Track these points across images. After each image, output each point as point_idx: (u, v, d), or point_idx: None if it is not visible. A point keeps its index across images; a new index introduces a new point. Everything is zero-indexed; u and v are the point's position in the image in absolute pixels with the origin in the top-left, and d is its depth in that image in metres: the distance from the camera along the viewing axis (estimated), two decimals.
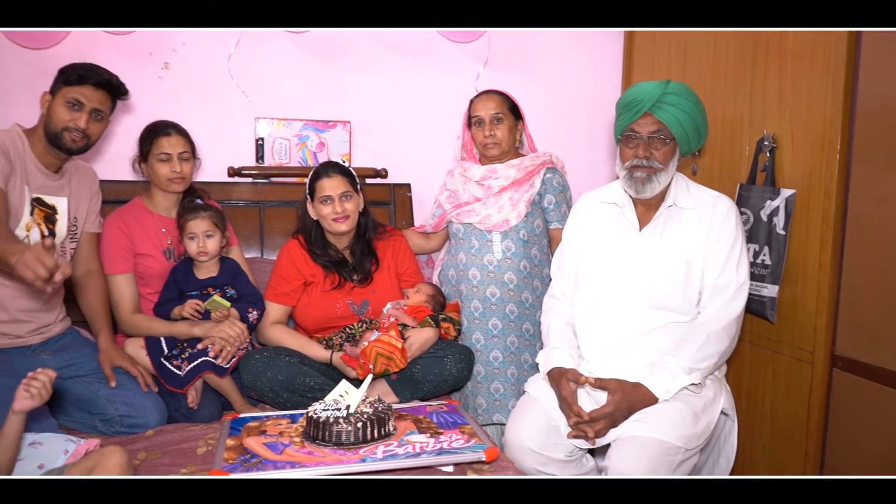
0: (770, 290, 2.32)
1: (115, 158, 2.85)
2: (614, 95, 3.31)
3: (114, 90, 2.22)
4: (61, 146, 2.16)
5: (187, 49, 2.98)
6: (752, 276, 2.27)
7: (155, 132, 2.39)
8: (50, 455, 1.74)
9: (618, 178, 2.13)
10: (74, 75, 2.14)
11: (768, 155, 2.36)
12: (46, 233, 2.19)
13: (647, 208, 2.12)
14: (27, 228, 2.13)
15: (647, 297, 2.05)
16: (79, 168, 2.35)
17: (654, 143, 2.03)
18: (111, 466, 1.51)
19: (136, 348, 2.29)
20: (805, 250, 2.26)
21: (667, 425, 1.86)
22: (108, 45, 2.88)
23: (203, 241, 2.34)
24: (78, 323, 2.42)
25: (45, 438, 1.79)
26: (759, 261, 2.34)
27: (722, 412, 2.04)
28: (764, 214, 2.34)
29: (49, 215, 2.20)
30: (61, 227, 2.24)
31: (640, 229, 2.11)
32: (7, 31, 2.72)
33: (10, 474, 1.59)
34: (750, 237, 2.36)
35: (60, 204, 2.24)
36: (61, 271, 1.59)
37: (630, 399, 1.92)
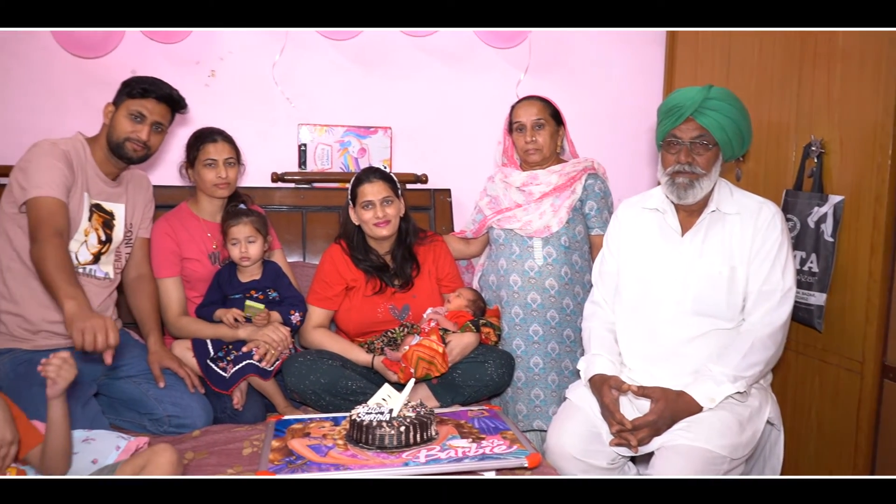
0: (817, 298, 2.27)
1: (163, 164, 2.93)
2: (656, 101, 3.28)
3: (174, 104, 2.29)
4: (122, 155, 2.23)
5: (233, 57, 3.05)
6: (799, 284, 2.23)
7: (201, 139, 2.45)
8: (102, 451, 1.80)
9: (659, 184, 2.11)
10: (138, 88, 2.20)
11: (816, 160, 2.31)
12: (104, 238, 2.27)
13: (689, 214, 2.10)
14: (85, 234, 2.20)
15: (690, 304, 2.03)
16: (135, 175, 2.43)
17: (696, 148, 2.01)
18: (162, 464, 1.55)
19: (184, 350, 2.35)
20: (854, 257, 2.21)
21: (712, 434, 1.84)
22: (157, 53, 2.96)
23: (245, 246, 2.38)
24: (128, 324, 2.49)
25: (98, 435, 1.85)
26: (805, 268, 2.30)
27: (768, 422, 2.01)
28: (811, 221, 2.30)
29: (107, 221, 2.27)
30: (118, 232, 2.31)
31: (682, 235, 2.09)
32: (61, 36, 2.82)
33: (68, 457, 1.64)
34: (796, 244, 2.32)
35: (118, 210, 2.31)
36: (111, 351, 1.69)
37: (673, 407, 1.90)
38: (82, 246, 2.20)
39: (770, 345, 1.95)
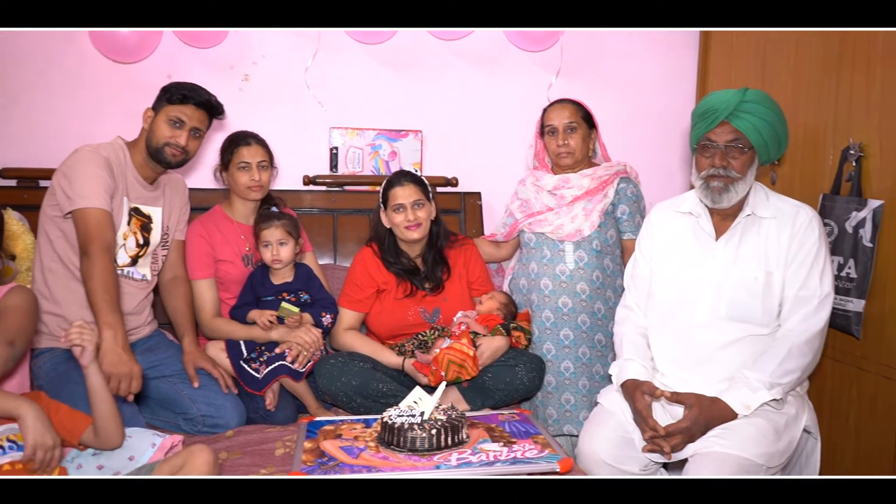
0: (855, 305, 2.23)
1: (197, 167, 2.97)
2: (689, 104, 3.26)
3: (212, 110, 2.33)
4: (161, 160, 2.27)
5: (266, 62, 3.09)
6: (837, 290, 2.20)
7: (235, 142, 2.49)
8: (139, 447, 1.83)
9: (692, 187, 2.09)
10: (178, 95, 2.25)
11: (854, 164, 2.27)
12: (142, 241, 2.31)
13: (723, 218, 2.08)
14: (124, 237, 2.25)
15: (725, 309, 2.00)
16: (172, 179, 2.47)
17: (731, 152, 1.98)
18: (199, 465, 1.57)
19: (217, 351, 2.38)
20: (894, 263, 2.17)
21: (747, 442, 1.82)
22: (192, 58, 3.01)
23: (277, 249, 2.41)
24: (163, 325, 2.53)
25: (135, 432, 1.88)
26: (843, 274, 2.26)
27: (804, 430, 1.97)
28: (849, 226, 2.26)
29: (145, 224, 2.32)
30: (155, 235, 2.35)
31: (717, 239, 2.06)
32: (99, 41, 2.87)
33: (118, 420, 1.75)
34: (834, 249, 2.28)
35: (156, 213, 2.36)
36: (132, 393, 1.90)
37: (708, 414, 1.88)
38: (121, 249, 2.24)
39: (807, 352, 1.92)
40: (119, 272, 2.23)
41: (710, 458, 1.82)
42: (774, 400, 1.90)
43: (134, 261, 2.29)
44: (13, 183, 2.90)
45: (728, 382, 1.95)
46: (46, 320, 2.19)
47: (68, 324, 2.16)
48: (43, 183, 2.84)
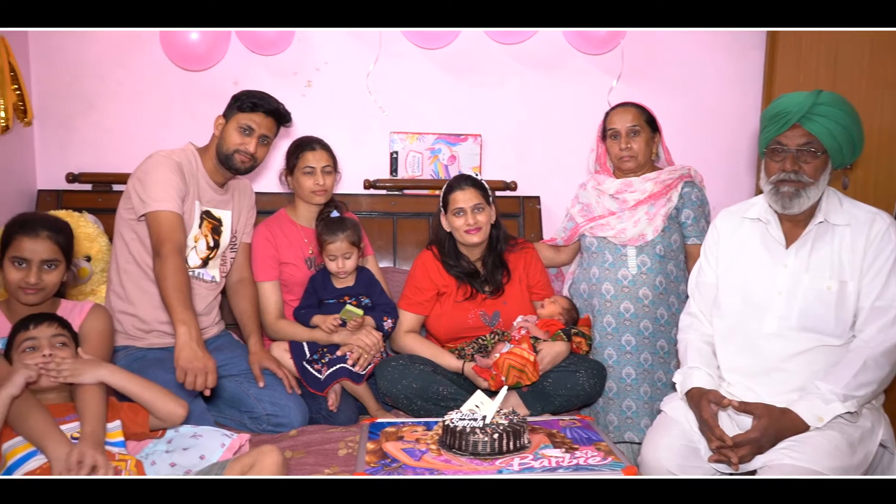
0: None
1: (262, 171, 3.03)
2: (755, 107, 3.18)
3: (280, 117, 2.38)
4: (230, 166, 2.34)
5: (329, 68, 3.14)
6: None
7: (301, 147, 2.54)
8: (209, 446, 1.89)
9: (761, 192, 2.04)
10: (248, 103, 2.31)
11: None
12: (212, 244, 2.38)
13: (794, 224, 2.02)
14: (195, 240, 2.32)
15: (796, 319, 1.94)
16: (240, 183, 2.54)
17: (803, 156, 1.93)
18: (269, 465, 1.62)
19: (281, 352, 2.43)
20: None
21: (820, 455, 1.76)
22: (257, 65, 3.09)
23: (342, 262, 2.44)
24: (230, 326, 2.60)
25: (205, 431, 1.94)
26: None
27: (880, 444, 1.90)
28: None
29: (215, 227, 2.39)
30: (225, 237, 2.42)
31: (787, 247, 2.01)
32: (170, 50, 2.97)
33: (161, 399, 1.78)
34: None
35: (226, 217, 2.43)
36: (207, 390, 1.93)
37: (778, 425, 1.83)
38: (192, 251, 2.32)
39: (884, 364, 1.85)
40: (190, 273, 2.30)
41: (781, 472, 1.77)
42: (848, 413, 1.83)
43: (204, 263, 2.37)
44: (88, 187, 3.03)
45: (798, 393, 1.90)
46: (121, 319, 2.28)
47: (143, 323, 2.26)
48: (116, 187, 2.96)
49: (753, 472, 1.86)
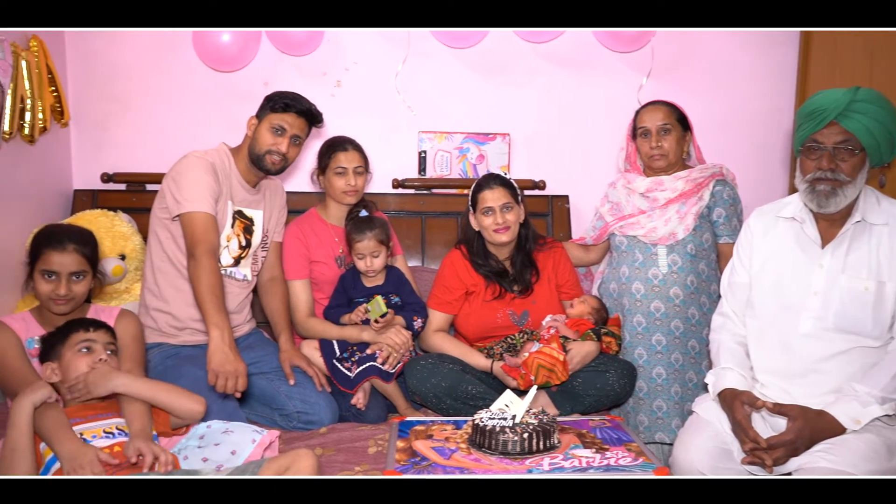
0: None
1: (293, 170, 3.05)
2: (788, 105, 3.14)
3: (312, 118, 2.40)
4: (262, 166, 2.36)
5: (358, 68, 3.16)
6: None
7: (333, 147, 2.55)
8: (240, 442, 1.91)
9: (794, 191, 2.01)
10: (280, 103, 2.33)
11: None
12: (244, 243, 2.41)
13: (830, 224, 1.98)
14: (228, 239, 2.35)
15: (832, 320, 1.91)
16: (272, 183, 2.57)
17: (839, 153, 1.90)
18: (305, 467, 1.64)
19: (311, 350, 2.45)
20: None
21: (857, 459, 1.73)
22: (288, 66, 3.12)
23: (371, 260, 2.45)
24: (261, 324, 2.63)
25: (236, 427, 1.96)
26: None
27: None
28: None
29: (248, 226, 2.42)
30: (257, 237, 2.45)
31: (823, 247, 1.97)
32: (202, 52, 3.01)
33: (177, 401, 1.85)
34: None
35: (257, 216, 2.45)
36: (238, 393, 1.99)
37: (813, 427, 1.80)
38: (224, 250, 2.35)
39: None
40: (222, 272, 2.33)
41: (816, 475, 1.74)
42: (886, 416, 1.80)
43: (237, 262, 2.40)
44: (123, 187, 3.08)
45: (834, 395, 1.87)
46: (155, 317, 2.32)
47: (176, 320, 2.30)
48: (150, 187, 3.01)
49: (788, 475, 1.83)
